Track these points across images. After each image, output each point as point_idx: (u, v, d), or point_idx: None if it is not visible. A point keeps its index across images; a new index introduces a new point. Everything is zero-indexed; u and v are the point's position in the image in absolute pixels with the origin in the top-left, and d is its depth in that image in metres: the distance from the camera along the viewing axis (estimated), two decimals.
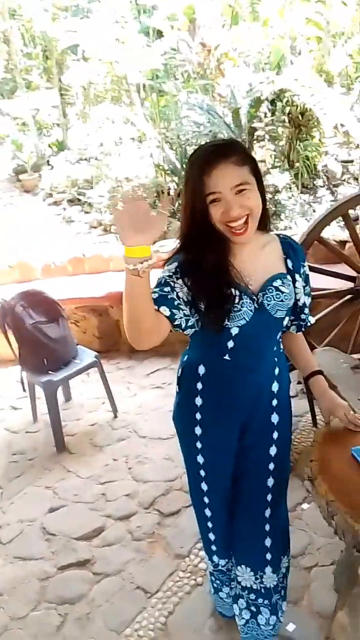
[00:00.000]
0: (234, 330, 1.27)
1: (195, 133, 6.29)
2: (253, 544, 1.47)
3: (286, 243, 1.37)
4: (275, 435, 1.41)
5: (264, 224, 1.31)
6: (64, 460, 2.75)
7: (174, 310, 1.23)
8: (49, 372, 2.83)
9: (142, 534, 2.22)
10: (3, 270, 4.07)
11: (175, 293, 1.23)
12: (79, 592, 2.02)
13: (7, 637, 1.89)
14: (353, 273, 2.74)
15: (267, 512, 1.45)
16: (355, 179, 6.00)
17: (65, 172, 7.26)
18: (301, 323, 1.45)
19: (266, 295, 1.29)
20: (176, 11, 6.92)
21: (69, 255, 4.14)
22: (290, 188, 5.68)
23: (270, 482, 1.43)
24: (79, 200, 7.16)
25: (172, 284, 1.24)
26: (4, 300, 2.89)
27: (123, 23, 6.88)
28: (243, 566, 1.50)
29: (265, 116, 6.06)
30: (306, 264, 1.40)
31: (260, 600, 1.51)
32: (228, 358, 1.31)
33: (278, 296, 1.30)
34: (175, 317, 1.24)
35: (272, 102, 6.13)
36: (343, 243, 3.35)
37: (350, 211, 2.66)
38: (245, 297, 1.27)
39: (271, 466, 1.42)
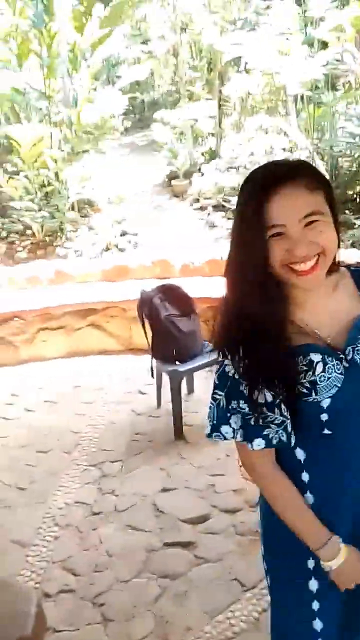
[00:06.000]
0: (326, 403, 1.03)
1: (349, 144, 6.14)
2: None
3: (358, 274, 1.11)
4: None
5: (335, 265, 1.05)
6: (179, 447, 2.90)
7: (266, 432, 1.02)
8: (176, 362, 3.00)
9: (246, 530, 2.26)
10: (146, 266, 4.38)
11: (251, 404, 1.01)
12: (179, 570, 2.13)
13: (110, 596, 2.07)
14: None
15: None
16: None
17: (213, 179, 7.53)
18: None
19: (357, 349, 1.03)
20: (343, 22, 6.80)
21: (207, 257, 4.32)
22: None
23: None
24: (223, 206, 7.37)
25: (244, 391, 1.01)
26: (143, 291, 3.13)
27: (288, 35, 6.94)
28: None
29: None
30: None
31: None
32: (328, 432, 1.05)
33: None
34: (271, 439, 1.03)
35: None
36: None
37: None
38: (330, 359, 1.03)
39: None
